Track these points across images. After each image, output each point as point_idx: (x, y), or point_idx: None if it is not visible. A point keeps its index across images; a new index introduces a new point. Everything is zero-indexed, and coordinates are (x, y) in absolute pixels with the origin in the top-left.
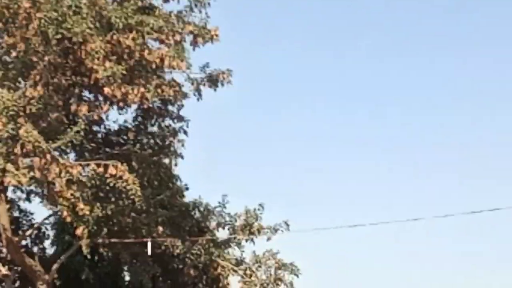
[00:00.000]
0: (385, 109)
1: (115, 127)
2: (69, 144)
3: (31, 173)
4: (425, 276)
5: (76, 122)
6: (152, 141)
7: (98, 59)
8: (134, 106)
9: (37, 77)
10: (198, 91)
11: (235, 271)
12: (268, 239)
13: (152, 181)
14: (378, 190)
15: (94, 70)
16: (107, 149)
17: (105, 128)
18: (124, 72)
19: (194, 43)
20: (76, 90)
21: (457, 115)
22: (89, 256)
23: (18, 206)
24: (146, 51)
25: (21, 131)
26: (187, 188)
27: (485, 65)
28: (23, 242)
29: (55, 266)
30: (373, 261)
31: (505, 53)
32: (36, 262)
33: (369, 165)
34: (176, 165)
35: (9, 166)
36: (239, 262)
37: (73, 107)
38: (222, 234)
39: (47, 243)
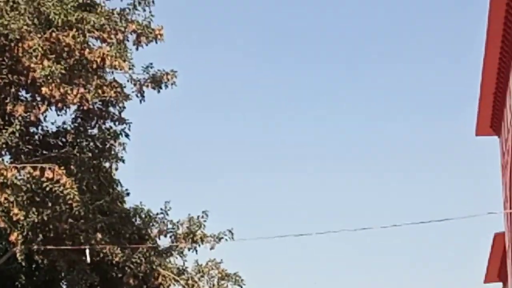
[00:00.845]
0: (328, 116)
1: (53, 128)
2: (4, 146)
3: None
4: (372, 284)
5: (12, 123)
6: (92, 144)
7: (36, 57)
8: (74, 107)
9: None
10: (141, 92)
11: (177, 280)
12: (212, 248)
13: (91, 186)
14: (325, 200)
15: (31, 68)
16: (44, 152)
17: (42, 129)
18: (63, 71)
19: (137, 43)
20: (12, 90)
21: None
22: (25, 264)
23: None
24: (87, 50)
25: None
26: (128, 194)
27: None
28: None
29: None
30: (318, 270)
31: None
32: None
33: (317, 174)
34: (116, 169)
35: None
36: (181, 272)
37: (8, 107)
38: (163, 242)
39: None
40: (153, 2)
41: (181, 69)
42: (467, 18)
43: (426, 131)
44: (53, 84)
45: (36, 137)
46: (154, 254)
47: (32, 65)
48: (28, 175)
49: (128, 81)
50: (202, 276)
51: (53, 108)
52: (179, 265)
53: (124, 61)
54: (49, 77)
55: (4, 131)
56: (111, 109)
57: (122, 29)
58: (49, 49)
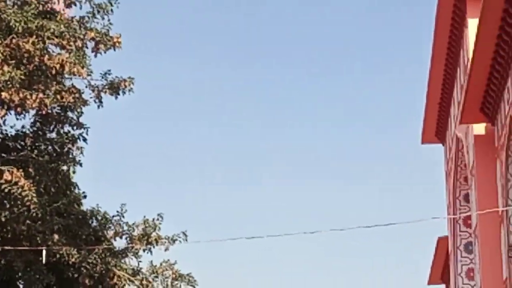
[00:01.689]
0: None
1: (12, 132)
2: None
3: None
4: (319, 286)
5: None
6: (50, 147)
7: None
8: (33, 112)
9: None
10: (98, 98)
11: (132, 281)
12: (166, 249)
13: (49, 188)
14: (278, 203)
15: None
16: (3, 155)
17: (1, 133)
18: (23, 77)
19: (96, 50)
20: None
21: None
22: None
23: None
24: (46, 56)
25: None
26: (85, 196)
27: None
28: None
29: None
30: (271, 272)
31: None
32: None
33: (270, 179)
34: (74, 172)
35: None
36: (135, 272)
37: None
38: (119, 243)
39: None
40: (111, 10)
41: (138, 76)
42: (414, 31)
43: (374, 139)
44: (12, 89)
45: None
46: (110, 255)
47: None
48: None
49: (86, 87)
50: (156, 277)
51: (12, 112)
52: (134, 266)
53: (83, 67)
54: (8, 82)
55: None
56: (69, 114)
57: (81, 36)
58: (9, 55)
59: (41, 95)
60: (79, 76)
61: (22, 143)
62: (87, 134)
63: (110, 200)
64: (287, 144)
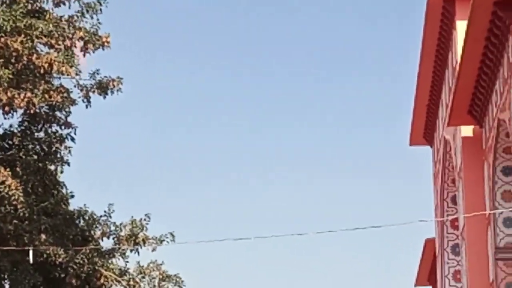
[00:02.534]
0: (262, 123)
1: None
2: None
3: None
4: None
5: None
6: (38, 147)
7: None
8: (20, 111)
9: None
10: (87, 97)
11: (119, 281)
12: (153, 250)
13: (36, 188)
14: (265, 205)
15: None
16: None
17: None
18: (11, 76)
19: (85, 49)
20: None
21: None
22: None
23: None
24: (35, 56)
25: None
26: (72, 196)
27: None
28: None
29: None
30: (258, 273)
31: None
32: None
33: (258, 179)
34: (62, 172)
35: None
36: (123, 273)
37: None
38: (106, 243)
39: None
40: (100, 10)
41: (126, 76)
42: (403, 32)
43: (363, 140)
44: (0, 88)
45: None
46: (97, 255)
47: None
48: None
49: (74, 86)
50: (143, 277)
51: (0, 111)
52: (121, 266)
53: (71, 67)
54: None
55: None
56: (57, 113)
57: (70, 35)
58: None
59: (29, 94)
60: (68, 75)
61: (10, 142)
62: (75, 133)
63: (97, 200)
64: (272, 145)
